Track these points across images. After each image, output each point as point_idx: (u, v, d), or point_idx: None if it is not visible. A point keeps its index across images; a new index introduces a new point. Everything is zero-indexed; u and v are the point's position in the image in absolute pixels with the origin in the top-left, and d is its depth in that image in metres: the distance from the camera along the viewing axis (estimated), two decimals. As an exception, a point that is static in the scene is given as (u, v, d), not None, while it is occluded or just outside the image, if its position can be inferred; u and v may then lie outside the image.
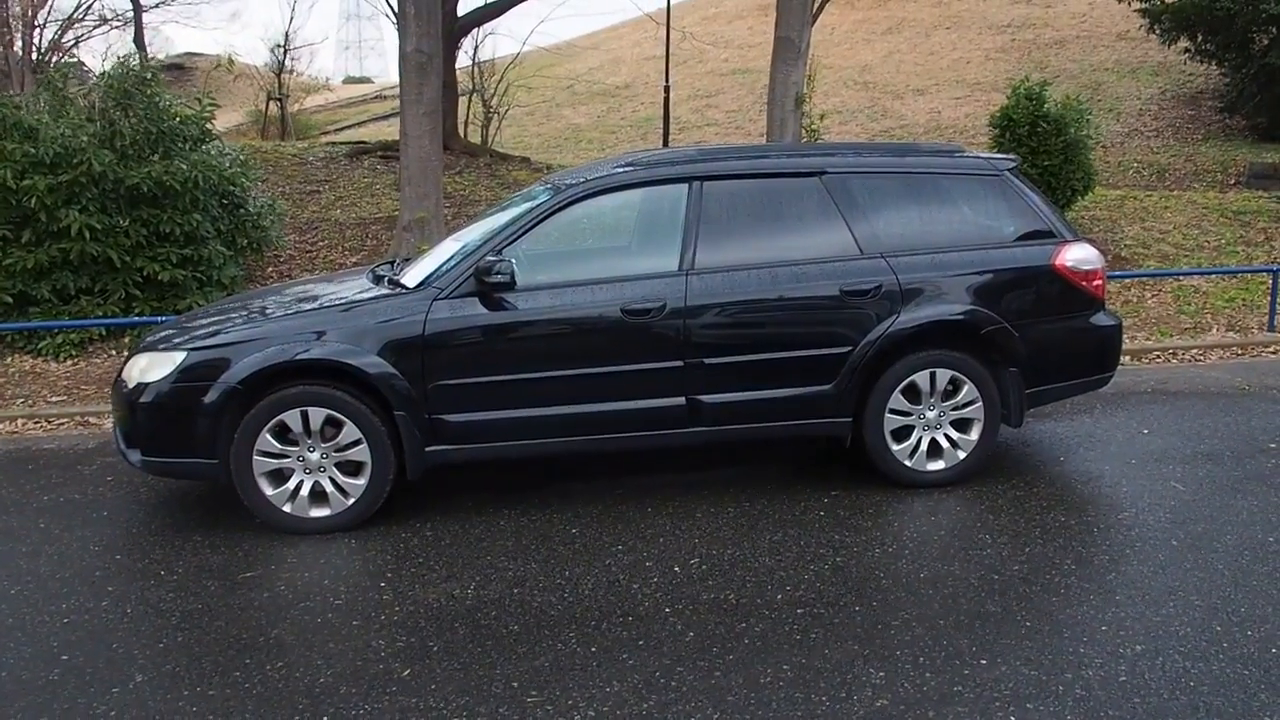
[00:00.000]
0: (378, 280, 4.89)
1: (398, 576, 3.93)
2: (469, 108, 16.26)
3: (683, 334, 4.47)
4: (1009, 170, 4.94)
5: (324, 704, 3.03)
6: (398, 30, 9.32)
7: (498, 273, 4.32)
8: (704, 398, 4.54)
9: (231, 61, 25.06)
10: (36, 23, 33.29)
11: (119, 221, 7.76)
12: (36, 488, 5.14)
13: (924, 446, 4.77)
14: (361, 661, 3.28)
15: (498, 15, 14.97)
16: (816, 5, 11.14)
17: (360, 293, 4.69)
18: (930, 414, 4.76)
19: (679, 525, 4.38)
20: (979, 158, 5.08)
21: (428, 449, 4.42)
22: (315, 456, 4.36)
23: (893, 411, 4.69)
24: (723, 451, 5.37)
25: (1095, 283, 4.89)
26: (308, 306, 4.66)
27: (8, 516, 4.70)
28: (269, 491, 4.34)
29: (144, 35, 20.38)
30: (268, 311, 4.67)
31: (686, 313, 4.46)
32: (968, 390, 4.72)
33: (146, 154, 8.00)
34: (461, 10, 14.51)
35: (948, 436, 4.78)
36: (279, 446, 4.32)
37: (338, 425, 4.33)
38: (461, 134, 15.20)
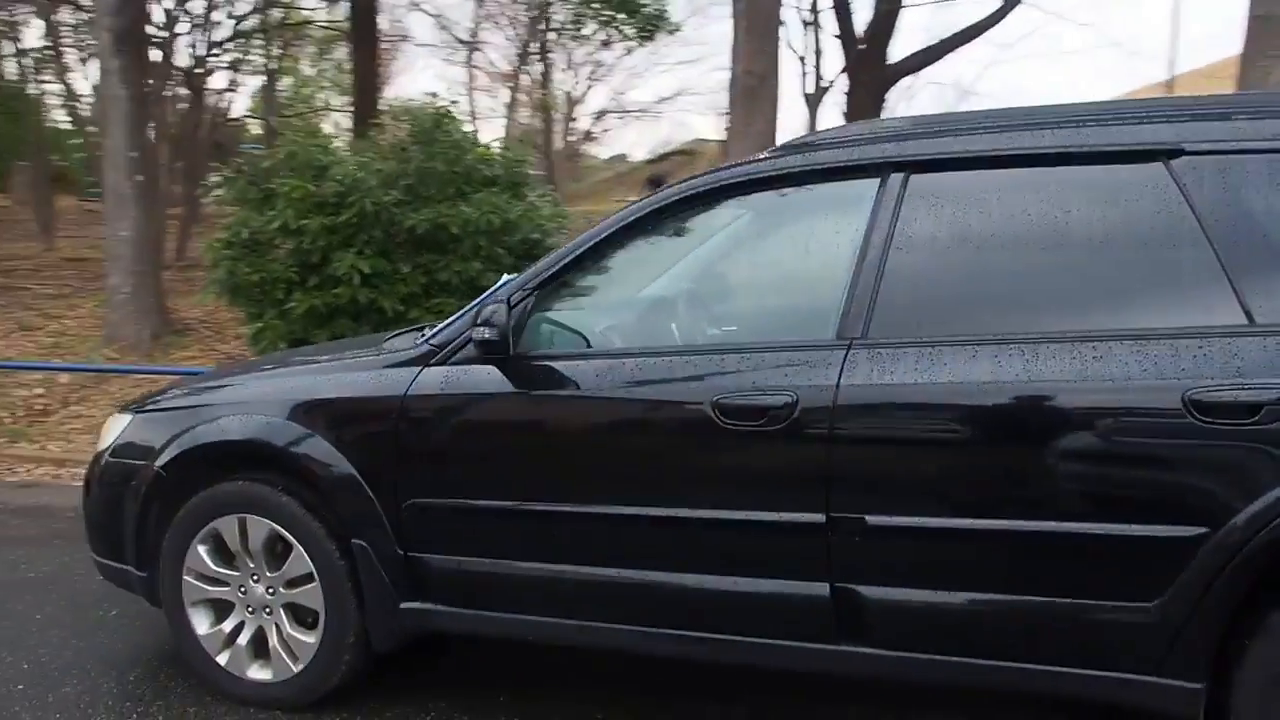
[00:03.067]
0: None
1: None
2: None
3: (829, 462, 2.34)
4: None
5: None
6: (731, 52, 7.96)
7: (486, 326, 2.62)
8: (866, 591, 2.34)
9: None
10: (573, 117, 37.53)
11: (399, 267, 7.21)
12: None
13: None
14: None
15: (936, 59, 13.08)
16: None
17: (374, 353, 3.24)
18: None
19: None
20: None
21: (403, 605, 2.82)
22: (260, 590, 2.97)
23: (1315, 688, 2.15)
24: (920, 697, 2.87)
25: None
26: (303, 364, 3.30)
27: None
28: (201, 629, 3.00)
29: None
30: (273, 367, 3.39)
31: (838, 419, 2.31)
32: None
33: (438, 195, 7.44)
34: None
35: None
36: (213, 568, 3.00)
37: (287, 547, 2.95)
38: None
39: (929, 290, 2.40)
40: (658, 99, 34.45)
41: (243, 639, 2.96)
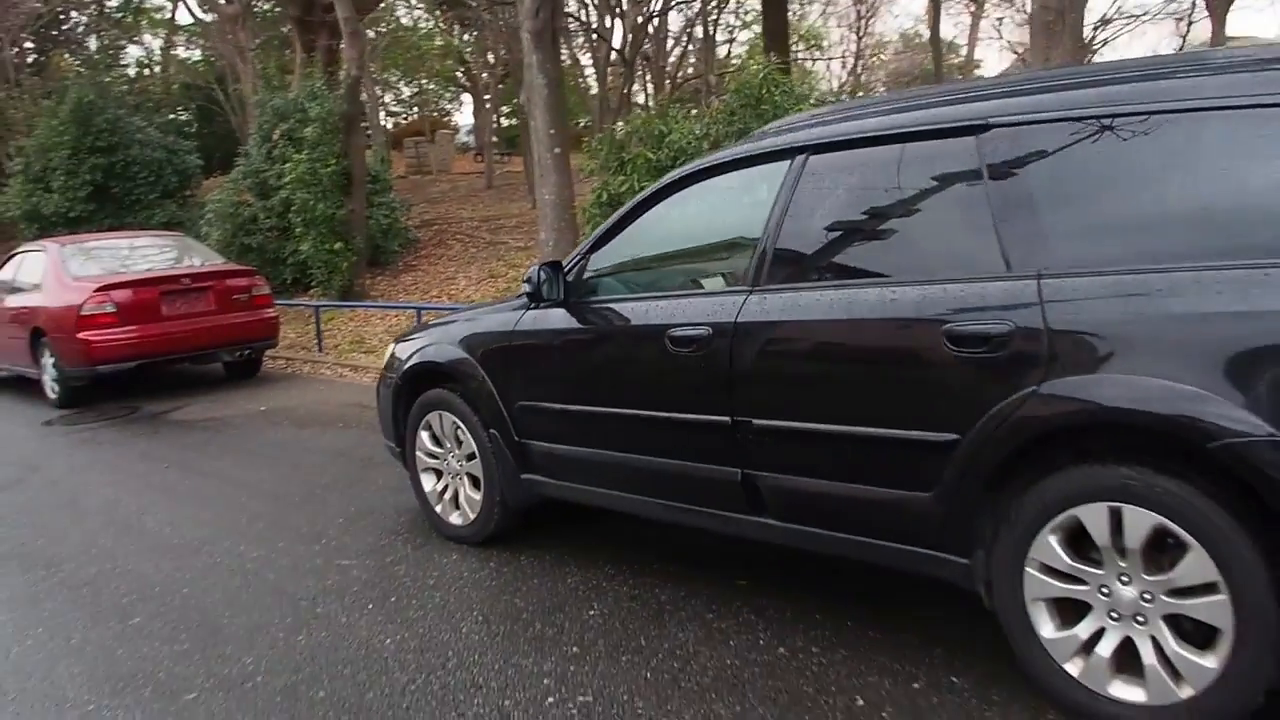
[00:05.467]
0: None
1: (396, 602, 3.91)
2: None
3: (730, 377, 3.24)
4: None
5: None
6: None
7: (526, 282, 3.79)
8: (760, 475, 3.23)
9: None
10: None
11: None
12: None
13: (1108, 649, 2.55)
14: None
15: None
16: None
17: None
18: (1125, 591, 2.51)
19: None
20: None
21: (522, 476, 4.13)
22: (453, 462, 4.49)
23: (1046, 570, 2.63)
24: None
25: None
26: (482, 309, 4.69)
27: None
28: (428, 486, 4.64)
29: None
30: (473, 311, 4.83)
31: (734, 346, 3.20)
32: (1195, 562, 2.36)
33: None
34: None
35: (1158, 645, 2.47)
36: (430, 446, 4.58)
37: (462, 433, 4.39)
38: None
39: (803, 247, 3.19)
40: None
41: (447, 495, 4.53)
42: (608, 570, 4.00)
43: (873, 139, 3.08)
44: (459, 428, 4.35)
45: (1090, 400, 2.46)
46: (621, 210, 3.83)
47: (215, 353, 9.52)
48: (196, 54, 32.23)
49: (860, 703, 2.83)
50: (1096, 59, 43.57)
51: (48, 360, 9.14)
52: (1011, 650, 2.77)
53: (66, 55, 28.42)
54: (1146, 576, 2.47)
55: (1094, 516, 2.51)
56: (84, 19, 30.29)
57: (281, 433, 7.35)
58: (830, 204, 3.15)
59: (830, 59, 33.71)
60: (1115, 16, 33.24)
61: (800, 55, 28.92)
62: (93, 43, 31.37)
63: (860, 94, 37.90)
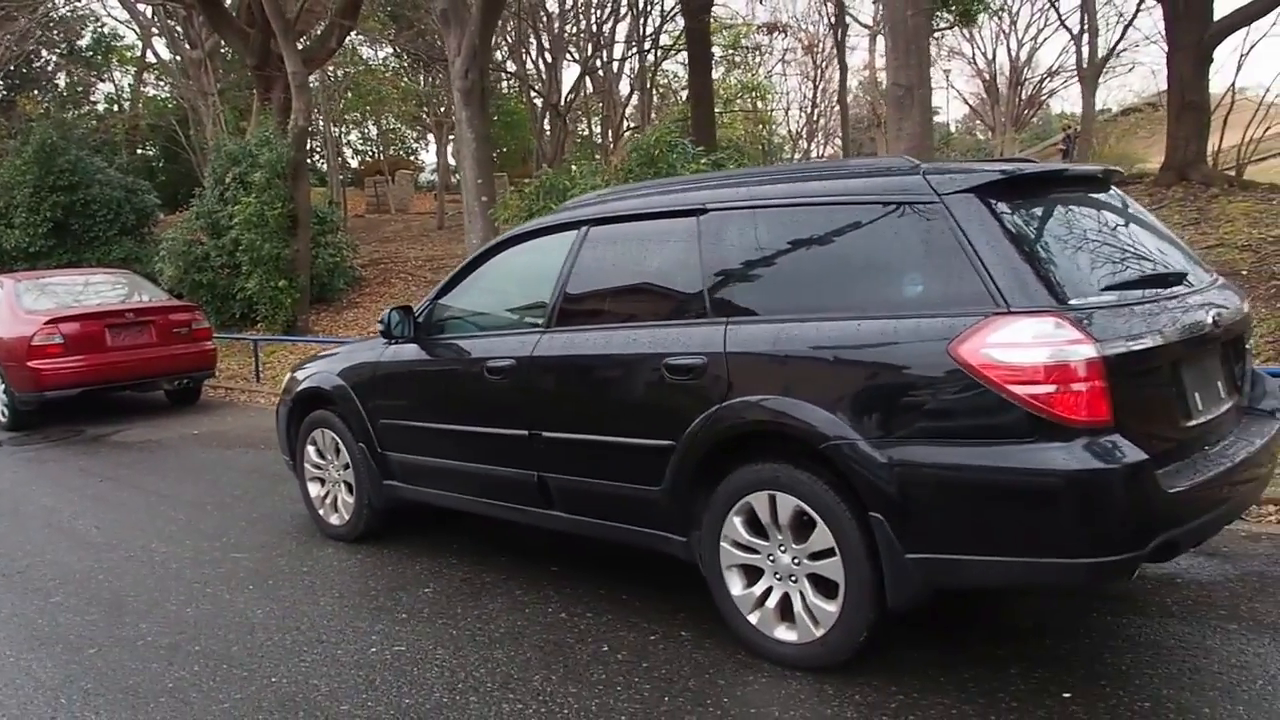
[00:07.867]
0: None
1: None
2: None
3: (527, 399, 4.13)
4: (965, 194, 3.07)
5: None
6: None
7: (380, 323, 4.67)
8: (548, 476, 4.09)
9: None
10: (1021, 79, 37.47)
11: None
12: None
13: (772, 602, 3.42)
14: None
15: (1271, 7, 12.39)
16: None
17: None
18: (784, 557, 3.37)
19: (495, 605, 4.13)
20: (911, 176, 3.27)
21: (385, 483, 4.97)
22: (331, 471, 5.32)
23: (734, 544, 3.49)
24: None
25: (1044, 389, 2.76)
26: (359, 343, 5.58)
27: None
28: (313, 493, 5.45)
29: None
30: (354, 344, 5.71)
31: (530, 375, 4.10)
32: (820, 533, 3.23)
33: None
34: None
35: (804, 596, 3.33)
36: (316, 459, 5.40)
37: (340, 447, 5.21)
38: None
39: (581, 298, 4.09)
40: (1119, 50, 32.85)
41: (328, 500, 5.34)
42: (451, 560, 4.85)
43: (631, 216, 4.02)
44: (337, 442, 5.19)
45: (750, 414, 3.35)
46: (462, 263, 4.72)
47: (156, 381, 10.32)
48: (165, 92, 33.00)
49: (605, 648, 3.69)
50: (1045, 111, 45.32)
51: (-1, 387, 9.89)
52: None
53: (35, 93, 29.11)
54: (794, 546, 3.35)
55: (760, 502, 3.40)
56: (54, 57, 31.05)
57: (209, 453, 8.16)
58: (601, 264, 4.06)
59: (784, 109, 35.01)
60: (1059, 70, 35.13)
61: (744, 109, 30.18)
62: (62, 80, 32.13)
63: (818, 138, 38.93)
